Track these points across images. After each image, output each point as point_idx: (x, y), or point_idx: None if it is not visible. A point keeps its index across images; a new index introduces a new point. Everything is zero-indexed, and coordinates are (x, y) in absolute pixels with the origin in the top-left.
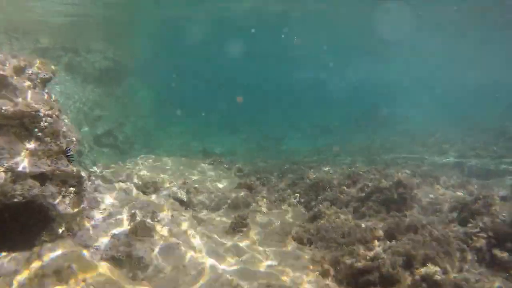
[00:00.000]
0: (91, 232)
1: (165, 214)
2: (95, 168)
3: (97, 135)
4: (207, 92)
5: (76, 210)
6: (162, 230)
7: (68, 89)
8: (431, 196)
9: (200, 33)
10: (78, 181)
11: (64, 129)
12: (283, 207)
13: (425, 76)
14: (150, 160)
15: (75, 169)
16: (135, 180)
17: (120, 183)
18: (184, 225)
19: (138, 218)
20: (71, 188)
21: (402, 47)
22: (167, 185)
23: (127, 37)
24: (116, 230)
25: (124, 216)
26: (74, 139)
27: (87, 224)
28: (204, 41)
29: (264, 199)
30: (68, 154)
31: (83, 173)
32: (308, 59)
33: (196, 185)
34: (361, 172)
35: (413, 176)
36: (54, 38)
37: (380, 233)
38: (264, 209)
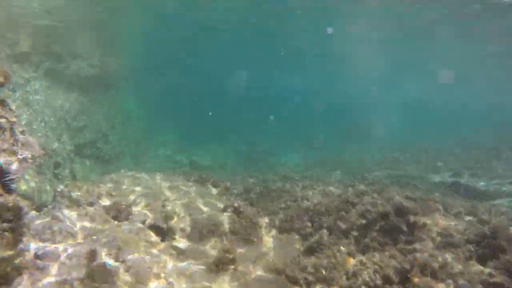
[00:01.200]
0: (31, 280)
1: (133, 251)
2: (61, 187)
3: (80, 145)
4: (196, 101)
5: (8, 253)
6: (126, 275)
7: (48, 97)
8: (441, 225)
9: (188, 40)
10: (15, 215)
11: (18, 144)
12: (274, 234)
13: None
14: (128, 178)
15: (11, 198)
16: (107, 202)
17: (88, 207)
18: (157, 267)
19: (99, 258)
20: (5, 224)
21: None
22: (144, 208)
23: (115, 44)
24: (68, 275)
25: (83, 253)
26: (30, 155)
27: (28, 269)
28: (192, 49)
29: (257, 226)
30: (5, 179)
31: (23, 204)
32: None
33: (177, 209)
34: (360, 193)
35: (416, 200)
36: (35, 42)
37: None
38: (254, 238)
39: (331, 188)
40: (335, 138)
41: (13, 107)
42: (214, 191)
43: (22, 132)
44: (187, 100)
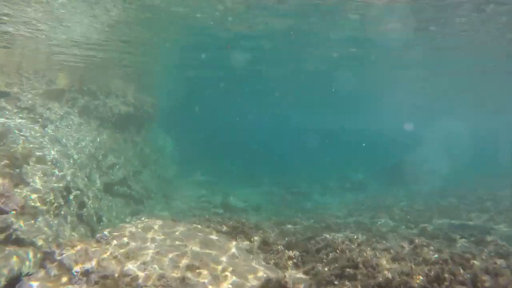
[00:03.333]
0: None
1: None
2: (51, 248)
3: (109, 183)
4: (230, 141)
5: None
6: None
7: (80, 133)
8: None
9: (224, 81)
10: None
11: None
12: None
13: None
14: (144, 230)
15: None
16: (101, 273)
17: (74, 285)
18: None
19: None
20: None
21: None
22: (151, 283)
23: (149, 82)
24: None
25: None
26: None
27: None
28: (228, 89)
29: None
30: None
31: None
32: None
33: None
34: (434, 258)
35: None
36: (71, 80)
37: None
38: None
39: (393, 246)
40: (375, 179)
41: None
42: (250, 246)
43: None
44: (220, 139)
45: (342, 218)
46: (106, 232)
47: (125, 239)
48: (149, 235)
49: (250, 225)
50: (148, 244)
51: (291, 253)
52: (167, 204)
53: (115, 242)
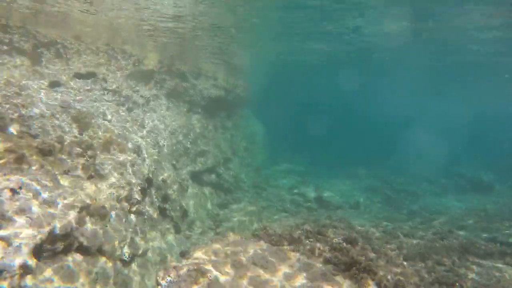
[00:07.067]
0: None
1: None
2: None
3: (198, 171)
4: (322, 126)
5: None
6: None
7: (167, 118)
8: None
9: (318, 66)
10: None
11: None
12: None
13: None
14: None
15: None
16: None
17: None
18: None
19: None
20: None
21: None
22: None
23: (241, 65)
24: None
25: None
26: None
27: None
28: (323, 73)
29: None
30: None
31: None
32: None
33: None
34: None
35: None
36: (160, 59)
37: None
38: None
39: None
40: (502, 178)
41: None
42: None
43: None
44: (312, 126)
45: (476, 231)
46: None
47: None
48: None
49: (367, 250)
50: None
51: None
52: (256, 194)
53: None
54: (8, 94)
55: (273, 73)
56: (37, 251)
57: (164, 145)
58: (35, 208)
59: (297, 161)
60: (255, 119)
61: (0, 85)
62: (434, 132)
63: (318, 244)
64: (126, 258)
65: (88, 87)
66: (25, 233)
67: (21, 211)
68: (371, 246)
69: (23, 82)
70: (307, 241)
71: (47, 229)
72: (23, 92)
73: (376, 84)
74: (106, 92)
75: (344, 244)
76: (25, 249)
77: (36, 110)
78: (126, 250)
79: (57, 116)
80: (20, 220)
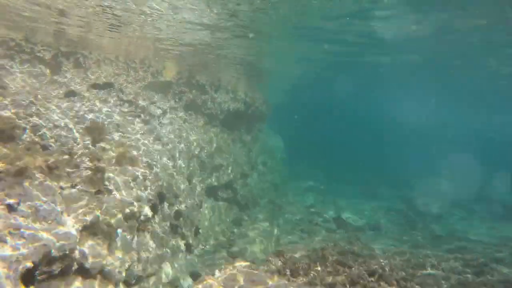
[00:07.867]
0: None
1: None
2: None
3: (214, 186)
4: (344, 144)
5: None
6: None
7: (183, 131)
8: None
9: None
10: None
11: None
12: None
13: None
14: None
15: None
16: None
17: None
18: None
19: None
20: None
21: None
22: None
23: (261, 79)
24: None
25: None
26: None
27: None
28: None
29: None
30: None
31: None
32: None
33: None
34: None
35: None
36: (179, 72)
37: None
38: None
39: None
40: None
41: None
42: None
43: None
44: (332, 142)
45: (503, 263)
46: None
47: None
48: None
49: None
50: None
51: None
52: (273, 212)
53: None
54: (24, 103)
55: (298, 87)
56: (29, 275)
57: (179, 158)
58: (32, 225)
59: (317, 178)
60: (275, 134)
61: (17, 93)
62: (464, 152)
63: (338, 278)
64: (132, 281)
65: (105, 98)
66: (16, 255)
67: (16, 229)
68: (396, 279)
69: (40, 91)
70: (324, 273)
71: (42, 250)
72: (39, 102)
73: (402, 104)
74: (122, 103)
75: (368, 277)
76: (14, 274)
77: (50, 120)
78: (132, 271)
79: (71, 126)
80: (13, 240)
